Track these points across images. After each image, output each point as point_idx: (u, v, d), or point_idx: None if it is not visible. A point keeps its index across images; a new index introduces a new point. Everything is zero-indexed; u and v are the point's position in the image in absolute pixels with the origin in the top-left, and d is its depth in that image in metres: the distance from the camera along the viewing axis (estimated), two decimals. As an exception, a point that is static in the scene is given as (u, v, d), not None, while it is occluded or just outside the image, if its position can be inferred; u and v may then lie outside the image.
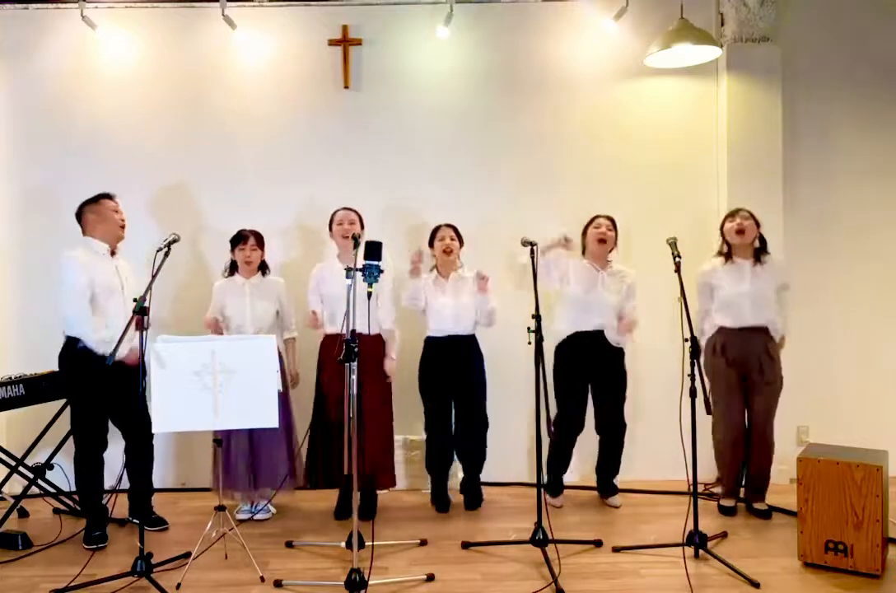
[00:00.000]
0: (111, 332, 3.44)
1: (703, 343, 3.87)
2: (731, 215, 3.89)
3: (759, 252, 3.87)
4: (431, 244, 4.06)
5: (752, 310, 3.81)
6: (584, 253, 4.05)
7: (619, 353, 4.03)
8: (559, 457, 4.04)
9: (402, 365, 4.21)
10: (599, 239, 3.95)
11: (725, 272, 3.87)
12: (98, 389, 3.51)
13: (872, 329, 4.54)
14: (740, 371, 3.85)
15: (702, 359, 3.36)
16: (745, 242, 3.84)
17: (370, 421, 3.73)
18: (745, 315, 3.81)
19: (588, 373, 3.99)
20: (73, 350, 3.55)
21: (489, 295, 3.96)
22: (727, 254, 3.90)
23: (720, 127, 4.50)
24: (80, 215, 3.68)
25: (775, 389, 3.87)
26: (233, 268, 3.95)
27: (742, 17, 4.41)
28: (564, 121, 4.52)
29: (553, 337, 3.97)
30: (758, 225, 3.86)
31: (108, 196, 3.70)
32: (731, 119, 4.43)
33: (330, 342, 3.84)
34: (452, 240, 3.99)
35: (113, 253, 3.68)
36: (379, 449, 3.84)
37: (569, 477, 4.36)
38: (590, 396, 4.06)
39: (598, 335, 3.96)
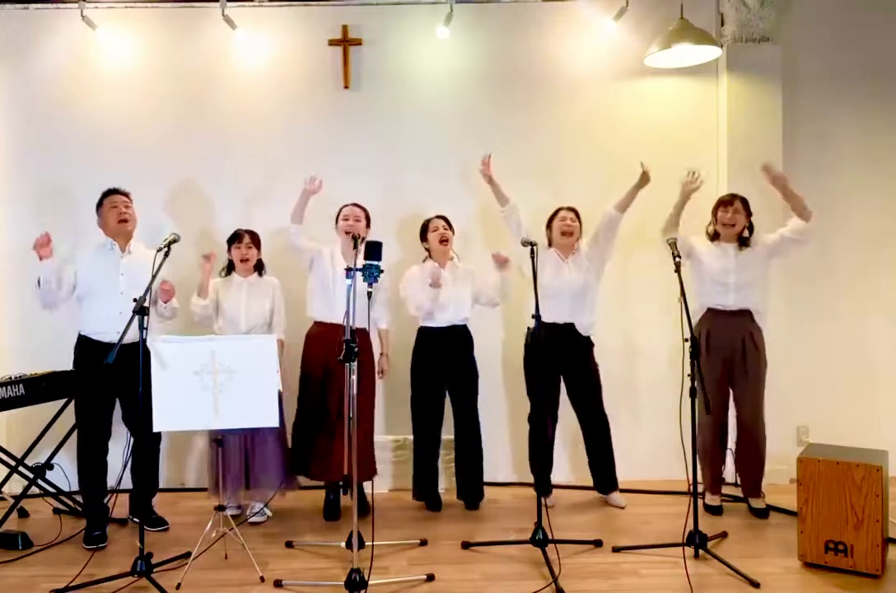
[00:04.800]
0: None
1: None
2: (726, 204, 3.91)
3: (744, 239, 3.92)
4: (424, 237, 4.08)
5: (737, 291, 3.85)
6: (549, 245, 4.08)
7: (588, 345, 4.05)
8: (541, 455, 3.99)
9: (393, 361, 4.22)
10: (563, 231, 4.00)
11: (709, 250, 3.93)
12: (105, 388, 3.51)
13: (873, 328, 4.55)
14: (725, 363, 3.85)
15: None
16: (732, 233, 3.91)
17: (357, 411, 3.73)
18: (729, 296, 3.85)
19: (558, 366, 3.98)
20: (82, 347, 3.58)
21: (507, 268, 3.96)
22: (714, 236, 3.97)
23: (720, 127, 4.50)
24: (98, 212, 3.75)
25: (760, 380, 3.87)
26: (230, 268, 4.00)
27: (742, 17, 4.41)
28: (564, 120, 4.53)
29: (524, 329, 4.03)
30: (749, 214, 3.92)
31: (110, 192, 3.73)
32: (731, 119, 4.43)
33: (323, 330, 3.84)
34: (446, 229, 4.03)
35: (123, 248, 3.69)
36: (362, 440, 3.81)
37: (566, 478, 4.38)
38: (564, 391, 4.07)
39: (568, 328, 3.97)
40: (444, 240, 4.00)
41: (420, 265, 4.09)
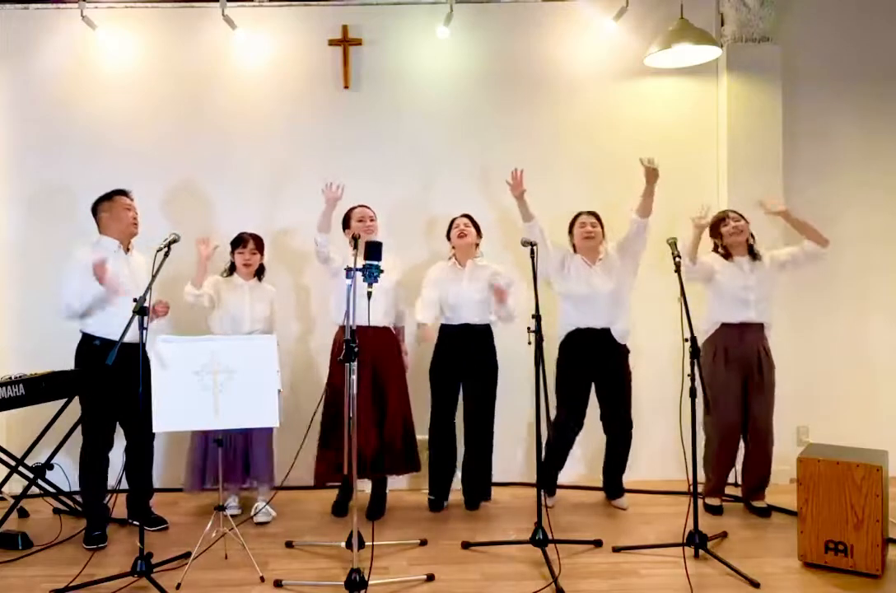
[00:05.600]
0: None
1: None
2: (723, 219, 3.92)
3: (753, 248, 3.92)
4: (449, 237, 4.08)
5: (756, 305, 3.85)
6: (574, 251, 4.06)
7: (623, 352, 4.01)
8: (555, 458, 4.01)
9: (413, 363, 4.22)
10: (585, 236, 3.98)
11: (726, 268, 3.91)
12: (109, 387, 3.51)
13: (873, 326, 4.55)
14: (741, 373, 3.86)
15: (701, 359, 3.36)
16: (743, 239, 3.90)
17: (394, 408, 3.84)
18: (750, 311, 3.84)
19: (591, 372, 3.97)
20: (87, 346, 3.57)
21: (507, 300, 3.93)
22: (725, 255, 3.94)
23: (720, 127, 4.50)
24: (95, 212, 3.69)
25: (772, 389, 3.89)
26: (231, 270, 4.01)
27: (742, 17, 4.42)
28: (564, 120, 4.53)
29: (558, 333, 3.99)
30: (746, 222, 3.93)
31: (121, 192, 3.70)
32: (731, 119, 4.44)
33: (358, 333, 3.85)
34: (467, 226, 4.01)
35: (127, 250, 3.69)
36: (402, 433, 3.88)
37: (569, 477, 4.37)
38: (594, 396, 4.04)
39: (604, 333, 3.95)
40: (461, 235, 3.98)
41: (444, 261, 4.10)
